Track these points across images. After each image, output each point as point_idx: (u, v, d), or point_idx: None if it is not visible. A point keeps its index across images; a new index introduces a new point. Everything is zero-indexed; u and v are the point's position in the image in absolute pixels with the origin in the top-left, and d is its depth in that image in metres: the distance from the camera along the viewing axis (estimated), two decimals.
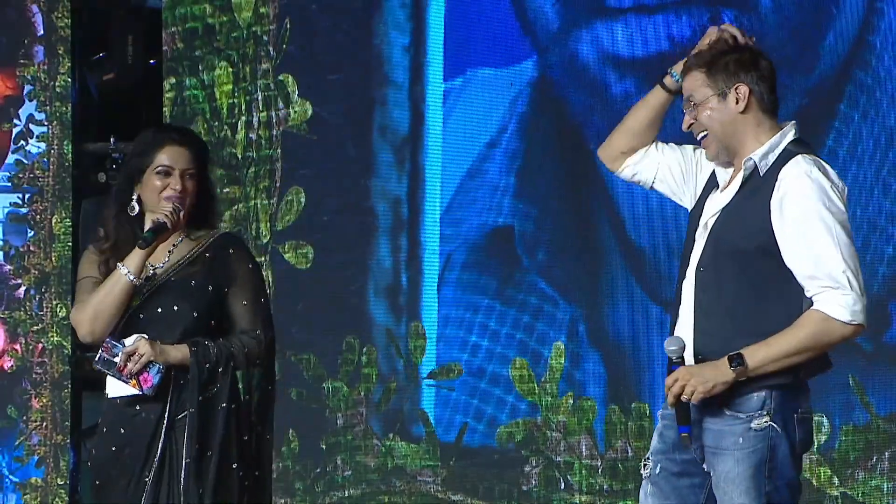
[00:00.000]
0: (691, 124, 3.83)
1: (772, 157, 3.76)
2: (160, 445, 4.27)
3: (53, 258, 7.32)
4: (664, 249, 6.35)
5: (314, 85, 7.11)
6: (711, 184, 3.91)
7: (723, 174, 3.87)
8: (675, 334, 3.83)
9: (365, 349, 7.00)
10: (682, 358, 3.76)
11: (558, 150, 6.68)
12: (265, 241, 7.14)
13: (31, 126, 7.37)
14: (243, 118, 7.26)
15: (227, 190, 7.18)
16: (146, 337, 4.27)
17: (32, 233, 7.34)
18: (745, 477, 3.73)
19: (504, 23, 6.75)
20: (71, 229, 7.34)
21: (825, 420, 6.09)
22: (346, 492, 6.99)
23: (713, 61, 3.78)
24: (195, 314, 4.31)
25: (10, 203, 7.35)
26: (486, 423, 6.70)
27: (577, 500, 6.49)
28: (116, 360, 4.25)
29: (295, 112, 7.16)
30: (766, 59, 3.82)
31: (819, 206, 3.67)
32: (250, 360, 4.35)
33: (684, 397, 3.72)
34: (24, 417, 7.29)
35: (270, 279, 7.03)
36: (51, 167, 7.35)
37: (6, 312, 7.32)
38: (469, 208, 6.85)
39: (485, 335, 6.76)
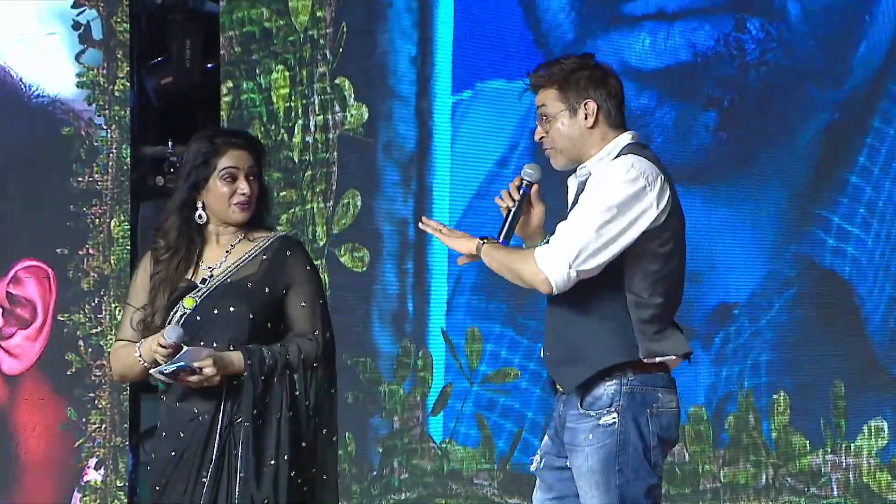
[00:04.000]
0: (542, 137, 4.03)
1: (605, 161, 3.96)
2: (216, 447, 4.28)
3: (112, 261, 7.37)
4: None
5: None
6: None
7: (570, 195, 4.07)
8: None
9: (421, 352, 7.00)
10: (531, 184, 4.05)
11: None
12: (322, 244, 7.16)
13: (90, 130, 7.43)
14: (300, 122, 7.28)
15: (284, 193, 7.21)
16: (213, 353, 4.26)
17: (91, 236, 7.39)
18: (595, 471, 3.88)
19: (515, 32, 6.60)
20: (129, 233, 7.38)
21: (885, 425, 6.05)
22: (403, 495, 6.99)
23: (566, 78, 3.97)
24: (251, 316, 4.31)
25: (70, 207, 7.41)
26: (542, 428, 6.69)
27: None
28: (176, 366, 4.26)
29: (351, 115, 7.17)
30: (615, 77, 4.01)
31: (601, 190, 3.87)
32: (307, 364, 4.34)
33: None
34: (84, 420, 7.34)
35: (327, 282, 7.04)
36: (109, 171, 7.40)
37: (66, 315, 7.38)
38: (479, 229, 6.70)
39: (497, 362, 6.72)
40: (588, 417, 3.91)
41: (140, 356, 4.29)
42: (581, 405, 3.93)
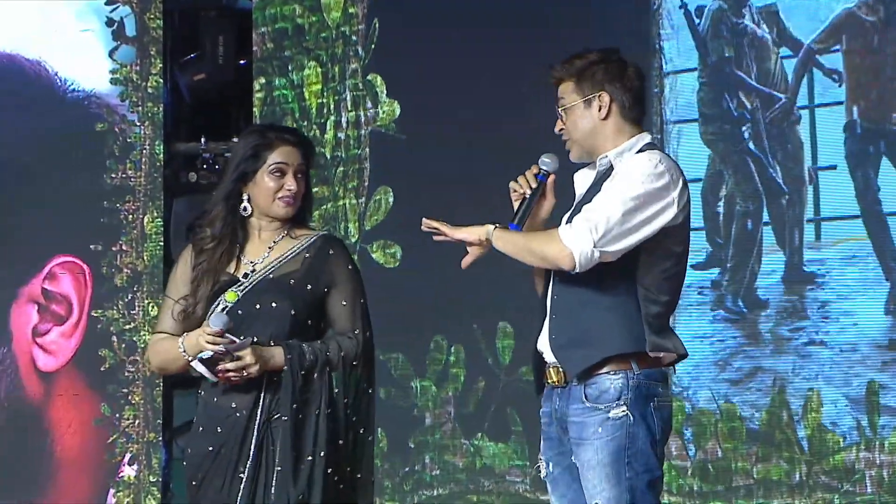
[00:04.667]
0: (561, 129, 4.07)
1: (626, 156, 4.00)
2: (253, 442, 4.27)
3: (145, 257, 7.39)
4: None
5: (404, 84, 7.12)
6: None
7: (581, 187, 4.10)
8: (542, 330, 4.05)
9: (453, 348, 7.00)
10: (548, 173, 4.06)
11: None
12: (353, 240, 7.17)
13: (124, 126, 7.45)
14: (332, 118, 7.29)
15: (316, 190, 7.21)
16: (254, 342, 4.26)
17: (124, 232, 7.42)
18: (605, 464, 3.90)
19: None
20: (162, 229, 7.40)
21: None
22: (435, 491, 7.00)
23: (583, 71, 4.03)
24: (293, 312, 4.30)
25: (104, 203, 7.43)
26: None
27: (666, 501, 6.45)
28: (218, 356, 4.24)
29: (383, 112, 7.18)
30: (634, 72, 4.06)
31: (629, 179, 3.91)
32: (347, 363, 4.33)
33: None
34: (117, 415, 7.36)
35: None
36: (142, 167, 7.42)
37: (99, 311, 7.40)
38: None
39: (528, 358, 6.67)
40: (596, 411, 3.92)
41: (184, 350, 4.29)
42: (586, 398, 3.94)
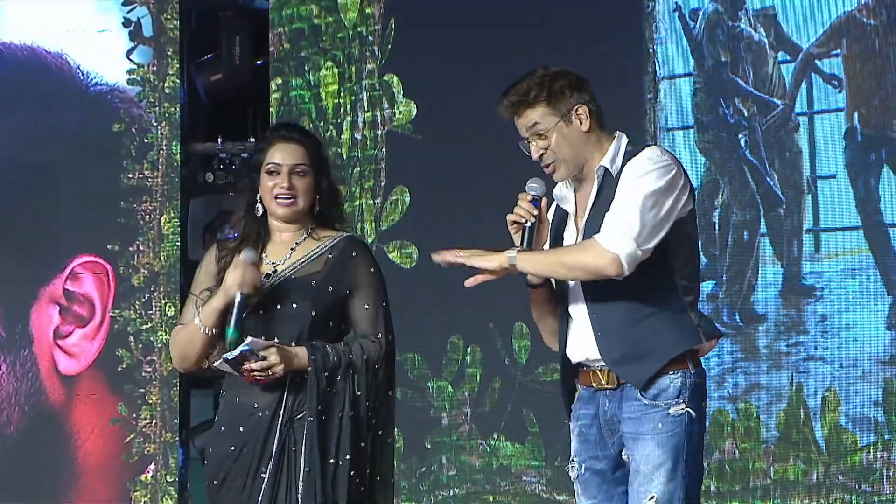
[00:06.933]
0: (542, 153, 4.02)
1: (619, 160, 4.00)
2: (276, 442, 4.26)
3: (162, 257, 7.40)
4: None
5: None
6: (559, 219, 4.12)
7: (569, 203, 4.08)
8: (572, 340, 4.04)
9: (469, 349, 7.00)
10: (540, 198, 4.02)
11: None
12: (370, 240, 7.17)
13: (141, 126, 7.46)
14: (349, 118, 7.29)
15: None
16: (277, 343, 4.26)
17: (141, 232, 7.43)
18: (665, 459, 3.91)
19: None
20: (179, 229, 7.41)
21: None
22: (451, 491, 7.00)
23: (550, 90, 3.99)
24: (314, 313, 4.30)
25: (121, 203, 7.44)
26: None
27: None
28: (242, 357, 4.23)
29: (400, 112, 7.18)
30: (586, 79, 4.06)
31: (639, 179, 3.92)
32: (369, 366, 4.33)
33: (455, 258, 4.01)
34: (134, 415, 7.37)
35: None
36: (159, 167, 7.43)
37: (116, 311, 7.41)
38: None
39: (545, 358, 6.67)
40: (656, 408, 3.93)
41: (199, 320, 4.26)
42: (643, 396, 3.94)
